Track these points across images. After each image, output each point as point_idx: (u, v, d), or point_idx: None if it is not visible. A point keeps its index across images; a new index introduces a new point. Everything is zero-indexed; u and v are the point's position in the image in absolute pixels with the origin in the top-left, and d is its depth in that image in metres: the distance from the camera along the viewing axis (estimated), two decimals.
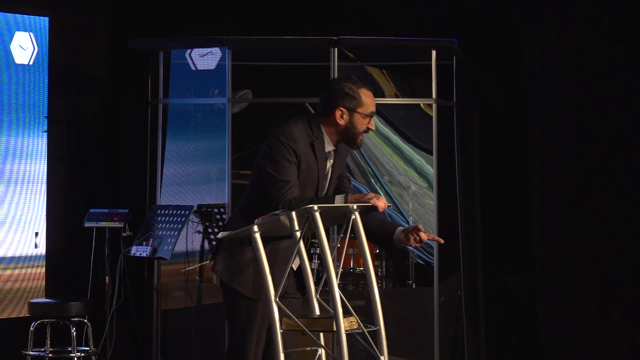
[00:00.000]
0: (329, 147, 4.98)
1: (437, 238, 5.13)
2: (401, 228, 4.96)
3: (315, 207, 4.54)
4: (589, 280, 7.97)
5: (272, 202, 4.79)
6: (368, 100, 4.95)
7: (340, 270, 7.34)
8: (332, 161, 5.01)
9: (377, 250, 8.21)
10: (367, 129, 4.98)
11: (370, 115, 4.96)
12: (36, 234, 8.04)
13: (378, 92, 8.43)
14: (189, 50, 8.14)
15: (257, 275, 4.68)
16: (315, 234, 4.63)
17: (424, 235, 4.90)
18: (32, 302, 7.46)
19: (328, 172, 5.01)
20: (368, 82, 5.03)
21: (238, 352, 4.92)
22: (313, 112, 7.91)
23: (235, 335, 4.94)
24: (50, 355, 7.49)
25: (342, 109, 4.93)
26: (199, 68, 8.16)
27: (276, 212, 4.62)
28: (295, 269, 4.93)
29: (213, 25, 8.54)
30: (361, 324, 4.63)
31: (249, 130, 8.13)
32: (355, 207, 4.70)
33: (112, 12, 8.63)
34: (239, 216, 4.94)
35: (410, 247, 8.32)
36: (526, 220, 8.28)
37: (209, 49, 8.05)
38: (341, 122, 4.94)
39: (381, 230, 5.01)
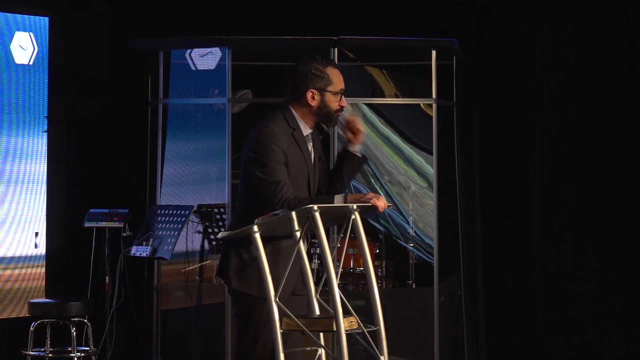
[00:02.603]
0: (307, 131, 4.99)
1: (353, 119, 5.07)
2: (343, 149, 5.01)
3: (315, 207, 4.54)
4: (589, 281, 7.97)
5: (268, 205, 4.77)
6: (336, 78, 4.97)
7: (340, 270, 7.34)
8: (311, 143, 5.02)
9: (377, 250, 8.21)
10: (341, 107, 4.98)
11: (341, 93, 4.97)
12: (36, 234, 8.04)
13: (378, 92, 8.43)
14: (189, 50, 8.14)
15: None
16: (315, 234, 4.63)
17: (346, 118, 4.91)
18: (32, 302, 7.46)
19: (311, 154, 5.02)
20: (333, 60, 5.04)
21: (250, 353, 4.90)
22: None
23: (247, 337, 4.92)
24: (50, 355, 7.49)
25: (312, 90, 4.95)
26: (199, 68, 8.16)
27: (276, 212, 4.62)
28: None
29: (213, 25, 8.54)
30: (361, 324, 4.63)
31: (249, 130, 8.11)
32: (355, 207, 4.70)
33: (112, 12, 8.63)
34: (240, 222, 4.84)
35: (410, 247, 8.33)
36: (526, 220, 8.28)
37: (209, 49, 8.05)
38: (313, 103, 4.95)
39: (333, 171, 5.09)
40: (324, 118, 4.98)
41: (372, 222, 8.30)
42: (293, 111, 4.98)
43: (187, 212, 7.44)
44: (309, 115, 4.97)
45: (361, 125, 5.00)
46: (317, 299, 4.68)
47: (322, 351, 4.68)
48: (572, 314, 7.99)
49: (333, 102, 4.96)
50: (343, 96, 4.99)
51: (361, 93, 8.17)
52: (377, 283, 4.96)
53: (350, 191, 8.04)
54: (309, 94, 4.94)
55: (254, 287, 4.85)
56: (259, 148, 4.87)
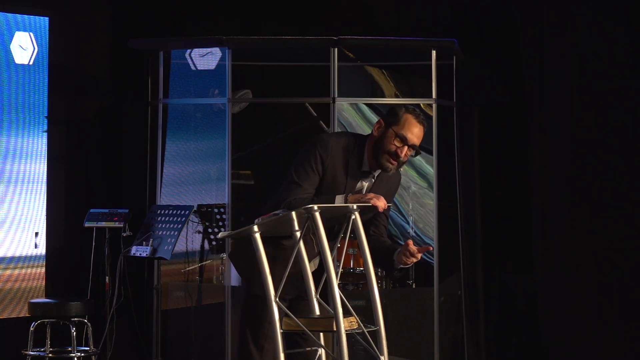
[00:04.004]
0: (366, 167, 4.95)
1: (425, 248, 5.06)
2: (398, 250, 4.92)
3: (315, 207, 4.54)
4: (589, 281, 7.97)
5: (281, 201, 4.79)
6: (407, 124, 4.91)
7: (340, 270, 7.34)
8: (367, 183, 4.97)
9: None
10: (396, 154, 4.92)
11: (402, 139, 4.89)
12: (36, 234, 8.04)
13: (378, 92, 8.43)
14: (189, 50, 8.14)
15: (273, 274, 4.65)
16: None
17: (413, 248, 4.86)
18: (32, 302, 7.46)
19: (361, 192, 4.96)
20: (421, 114, 4.98)
21: (246, 348, 4.94)
22: (314, 112, 7.99)
23: (245, 333, 4.96)
24: (50, 355, 7.49)
25: (381, 121, 4.95)
26: (199, 68, 8.16)
27: (276, 212, 4.62)
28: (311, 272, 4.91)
29: (213, 25, 8.54)
30: (361, 324, 4.64)
31: (249, 130, 8.13)
32: (355, 207, 4.70)
33: (112, 12, 8.63)
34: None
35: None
36: (526, 220, 8.28)
37: (209, 49, 8.05)
38: (376, 133, 4.94)
39: (382, 248, 4.99)
40: (376, 154, 4.91)
41: None
42: (367, 143, 4.95)
43: (187, 212, 7.44)
44: (371, 147, 4.93)
45: (418, 258, 4.92)
46: (317, 299, 4.68)
47: (322, 351, 4.68)
48: (572, 314, 7.99)
49: (389, 141, 4.89)
50: (407, 148, 4.91)
51: (361, 93, 8.17)
52: (377, 283, 4.95)
53: None
54: (377, 124, 4.95)
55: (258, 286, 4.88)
56: (308, 149, 4.89)
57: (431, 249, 4.99)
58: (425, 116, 5.03)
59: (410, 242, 4.87)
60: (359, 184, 4.96)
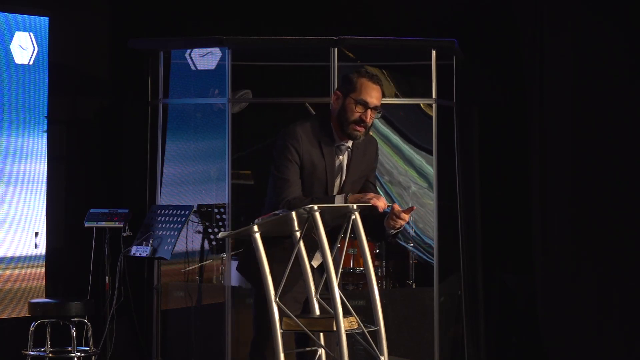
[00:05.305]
0: (338, 142, 4.97)
1: (410, 209, 5.02)
2: (387, 217, 4.93)
3: (315, 207, 4.54)
4: (589, 281, 7.97)
5: (274, 201, 4.80)
6: (364, 89, 4.92)
7: (340, 270, 7.33)
8: (342, 157, 4.98)
9: (377, 250, 8.21)
10: (361, 120, 4.93)
11: (363, 104, 4.92)
12: (36, 234, 8.04)
13: None
14: (189, 50, 8.14)
15: (276, 274, 4.65)
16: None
17: (399, 209, 4.86)
18: (32, 302, 7.46)
19: (342, 168, 4.99)
20: (374, 75, 4.99)
21: (258, 345, 4.95)
22: (313, 112, 8.00)
23: (257, 334, 4.98)
24: (50, 355, 7.49)
25: (337, 92, 4.96)
26: (199, 68, 8.16)
27: (276, 212, 4.63)
28: (316, 266, 4.92)
29: (213, 25, 8.54)
30: (361, 324, 4.64)
31: (249, 130, 8.13)
32: (355, 207, 4.70)
33: (112, 12, 8.63)
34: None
35: (410, 247, 8.33)
36: (526, 220, 8.28)
37: (209, 49, 8.05)
38: (335, 105, 4.96)
39: (373, 218, 5.00)
40: (341, 126, 4.93)
41: None
42: (330, 118, 4.97)
43: (187, 212, 7.44)
44: (335, 121, 4.95)
45: (406, 220, 4.94)
46: (317, 299, 4.68)
47: (322, 351, 4.68)
48: (572, 314, 7.99)
49: (351, 110, 4.91)
50: (370, 111, 4.92)
51: None
52: (377, 283, 4.96)
53: None
54: (334, 96, 4.96)
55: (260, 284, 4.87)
56: (278, 144, 4.94)
57: (415, 208, 4.96)
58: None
59: (396, 205, 4.89)
60: (337, 161, 4.97)
